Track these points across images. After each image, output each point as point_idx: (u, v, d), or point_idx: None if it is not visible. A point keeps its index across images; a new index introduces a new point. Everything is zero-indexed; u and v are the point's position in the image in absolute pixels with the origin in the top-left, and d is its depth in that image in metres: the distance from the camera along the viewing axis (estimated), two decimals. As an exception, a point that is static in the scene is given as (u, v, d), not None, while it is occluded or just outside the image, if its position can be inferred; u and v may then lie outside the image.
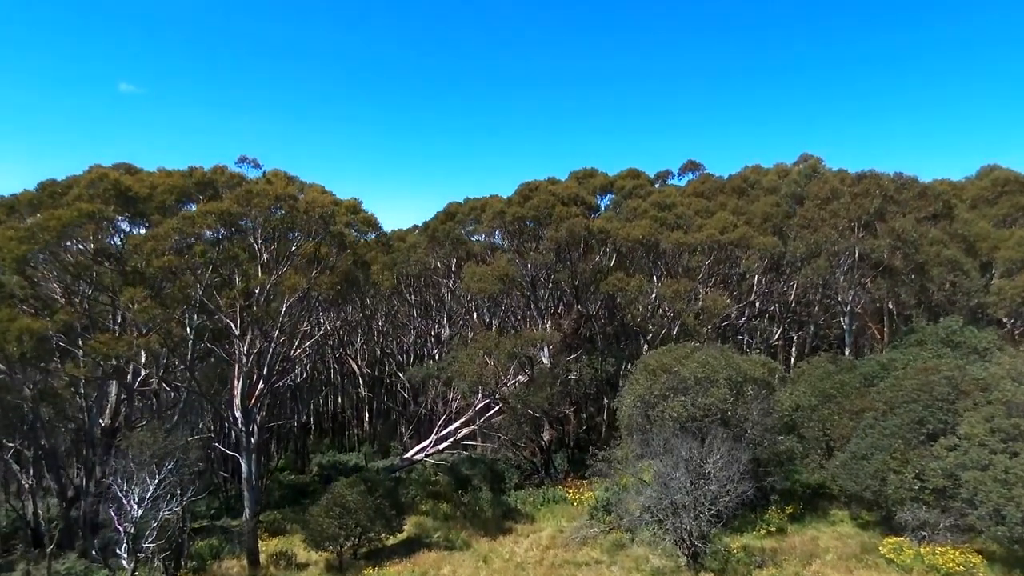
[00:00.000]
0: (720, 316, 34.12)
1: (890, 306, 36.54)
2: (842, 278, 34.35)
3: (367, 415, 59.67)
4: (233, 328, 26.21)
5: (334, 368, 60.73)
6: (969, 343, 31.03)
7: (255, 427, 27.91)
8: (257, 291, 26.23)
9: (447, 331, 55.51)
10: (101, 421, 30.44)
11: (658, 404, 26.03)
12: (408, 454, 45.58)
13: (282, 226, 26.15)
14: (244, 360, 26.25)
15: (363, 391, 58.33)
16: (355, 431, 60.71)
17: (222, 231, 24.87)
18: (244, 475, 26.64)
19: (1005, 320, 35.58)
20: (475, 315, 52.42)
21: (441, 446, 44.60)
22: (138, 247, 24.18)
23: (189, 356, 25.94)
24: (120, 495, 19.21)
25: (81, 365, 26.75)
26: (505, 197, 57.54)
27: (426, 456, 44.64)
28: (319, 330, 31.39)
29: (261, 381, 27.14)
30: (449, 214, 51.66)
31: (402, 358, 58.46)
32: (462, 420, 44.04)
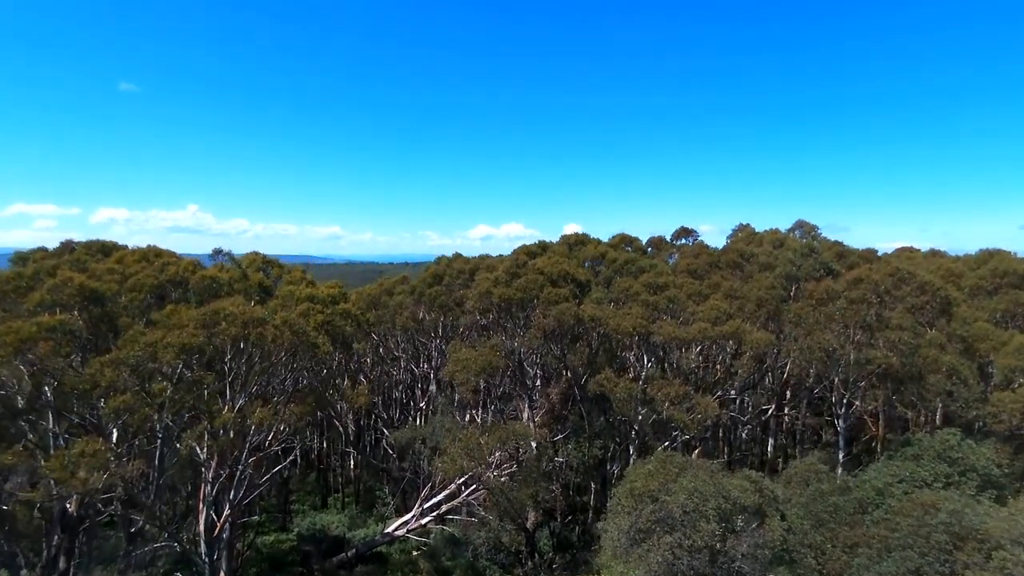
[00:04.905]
0: (710, 419, 33.03)
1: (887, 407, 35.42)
2: (837, 379, 33.29)
3: (352, 464, 58.44)
4: (198, 453, 24.96)
5: (319, 414, 59.25)
6: (967, 459, 29.94)
7: (223, 547, 26.67)
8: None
9: (434, 388, 54.36)
10: (68, 506, 29.16)
11: (644, 541, 24.87)
12: (389, 528, 44.33)
13: (251, 347, 24.90)
14: (210, 488, 24.98)
15: (349, 449, 57.08)
16: (339, 475, 59.42)
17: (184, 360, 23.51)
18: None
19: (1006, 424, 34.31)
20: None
21: (424, 520, 43.40)
22: (95, 375, 22.87)
23: (151, 491, 24.60)
24: None
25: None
26: (496, 256, 56.50)
27: (408, 532, 43.39)
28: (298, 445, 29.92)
29: (228, 506, 25.86)
30: (437, 276, 50.42)
31: (388, 415, 57.16)
32: (445, 493, 42.83)
